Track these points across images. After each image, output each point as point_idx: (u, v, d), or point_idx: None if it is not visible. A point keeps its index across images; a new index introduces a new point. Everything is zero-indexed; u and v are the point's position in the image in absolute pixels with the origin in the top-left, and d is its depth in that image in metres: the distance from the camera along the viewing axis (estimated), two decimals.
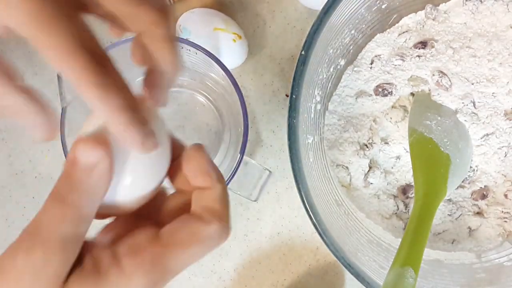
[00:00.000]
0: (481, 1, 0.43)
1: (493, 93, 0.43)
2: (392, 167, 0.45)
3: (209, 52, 0.39)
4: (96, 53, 0.19)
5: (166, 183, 0.26)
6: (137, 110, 0.21)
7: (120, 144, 0.21)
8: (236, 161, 0.40)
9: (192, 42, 0.39)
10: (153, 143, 0.22)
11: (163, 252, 0.22)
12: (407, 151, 0.44)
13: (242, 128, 0.39)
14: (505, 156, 0.44)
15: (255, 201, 0.42)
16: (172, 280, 0.53)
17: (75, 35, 0.18)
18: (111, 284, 0.21)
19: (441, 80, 0.43)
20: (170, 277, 0.23)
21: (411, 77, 0.44)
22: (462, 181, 0.44)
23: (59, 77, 0.37)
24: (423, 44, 0.43)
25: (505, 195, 0.44)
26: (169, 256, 0.22)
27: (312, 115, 0.41)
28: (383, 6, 0.42)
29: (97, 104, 0.19)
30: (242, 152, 0.40)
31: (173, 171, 0.25)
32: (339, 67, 0.44)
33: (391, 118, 0.44)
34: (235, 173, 0.40)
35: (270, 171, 0.42)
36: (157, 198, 0.25)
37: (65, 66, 0.19)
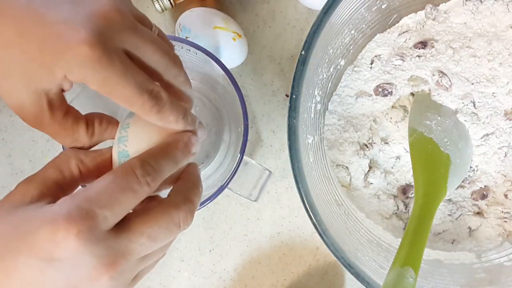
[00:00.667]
0: (481, 1, 0.43)
1: (493, 93, 0.43)
2: (392, 167, 0.45)
3: (209, 52, 0.39)
4: (150, 91, 0.26)
5: None
6: (186, 115, 0.28)
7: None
8: (236, 161, 0.40)
9: (192, 42, 0.39)
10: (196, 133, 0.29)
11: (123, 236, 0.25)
12: (407, 151, 0.44)
13: (242, 128, 0.39)
14: (505, 156, 0.44)
15: (255, 201, 0.42)
16: (172, 280, 0.53)
17: (135, 84, 0.25)
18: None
19: (441, 80, 0.43)
20: (127, 259, 0.25)
21: (411, 77, 0.44)
22: (462, 181, 0.44)
23: None
24: (423, 44, 0.43)
25: (505, 195, 0.44)
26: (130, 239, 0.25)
27: (312, 115, 0.41)
28: (383, 6, 0.42)
29: (160, 123, 0.27)
30: (242, 152, 0.40)
31: None
32: (339, 67, 0.44)
33: (391, 118, 0.44)
34: (235, 173, 0.40)
35: (270, 171, 0.42)
36: None
37: (131, 106, 0.26)
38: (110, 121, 0.29)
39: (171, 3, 0.46)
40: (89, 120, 0.29)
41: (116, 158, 0.27)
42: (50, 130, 0.27)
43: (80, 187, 0.28)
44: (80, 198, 0.24)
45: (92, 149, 0.29)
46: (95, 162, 0.28)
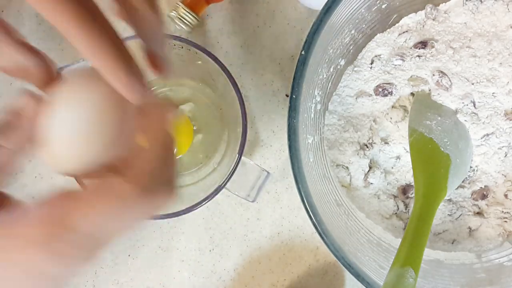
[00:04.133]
0: (481, 1, 0.43)
1: (493, 93, 0.43)
2: (392, 167, 0.45)
3: (209, 51, 0.39)
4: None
5: None
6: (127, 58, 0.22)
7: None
8: (235, 162, 0.40)
9: (193, 42, 0.39)
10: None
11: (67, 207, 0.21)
12: (407, 151, 0.44)
13: (241, 129, 0.39)
14: (505, 156, 0.44)
15: (253, 202, 0.42)
16: (172, 280, 0.53)
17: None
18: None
19: (441, 80, 0.43)
20: (74, 235, 0.20)
21: (411, 77, 0.44)
22: (462, 181, 0.44)
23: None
24: (423, 44, 0.43)
25: (505, 195, 0.44)
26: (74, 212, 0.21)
27: (312, 115, 0.41)
28: (383, 6, 0.42)
29: (92, 57, 0.21)
30: (241, 153, 0.40)
31: None
32: (339, 67, 0.44)
33: (391, 118, 0.44)
34: (233, 173, 0.40)
35: (268, 172, 0.42)
36: None
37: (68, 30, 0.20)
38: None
39: (196, 18, 0.45)
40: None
41: None
42: None
43: None
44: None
45: None
46: None
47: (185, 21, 0.45)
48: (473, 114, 0.43)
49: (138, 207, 0.22)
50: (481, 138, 0.43)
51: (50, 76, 0.23)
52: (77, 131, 0.21)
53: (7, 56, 0.22)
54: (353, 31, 0.42)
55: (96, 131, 0.21)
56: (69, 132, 0.21)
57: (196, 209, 0.40)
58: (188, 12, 0.45)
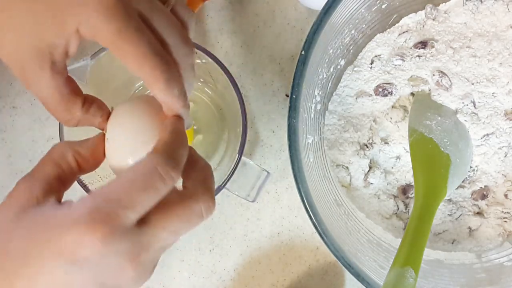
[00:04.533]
0: (481, 1, 0.43)
1: (493, 93, 0.43)
2: (392, 167, 0.45)
3: (209, 52, 0.39)
4: (163, 55, 0.25)
5: None
6: (186, 98, 0.27)
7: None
8: (235, 162, 0.40)
9: (194, 43, 0.39)
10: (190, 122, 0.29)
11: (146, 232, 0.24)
12: (407, 151, 0.44)
13: (241, 129, 0.39)
14: (505, 156, 0.43)
15: (252, 202, 0.42)
16: (172, 280, 0.53)
17: (148, 44, 0.25)
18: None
19: (441, 80, 0.43)
20: (150, 252, 0.24)
21: (411, 77, 0.44)
22: (462, 181, 0.44)
23: None
24: (423, 44, 0.43)
25: (505, 195, 0.44)
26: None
27: (312, 115, 0.41)
28: (383, 6, 0.42)
29: (162, 94, 0.26)
30: (241, 153, 0.39)
31: None
32: (339, 67, 0.44)
33: (391, 118, 0.44)
34: (233, 173, 0.40)
35: (268, 172, 0.42)
36: None
37: (141, 67, 0.25)
38: (101, 105, 0.29)
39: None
40: (86, 97, 0.28)
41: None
42: (46, 95, 0.26)
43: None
44: (101, 198, 0.23)
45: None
46: (90, 152, 0.28)
47: None
48: (473, 114, 0.43)
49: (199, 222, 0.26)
50: (481, 138, 0.43)
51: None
52: (130, 135, 0.27)
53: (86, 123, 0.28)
54: (353, 31, 0.42)
55: (141, 135, 0.27)
56: (125, 135, 0.27)
57: None
58: None
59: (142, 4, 0.25)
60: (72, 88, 0.27)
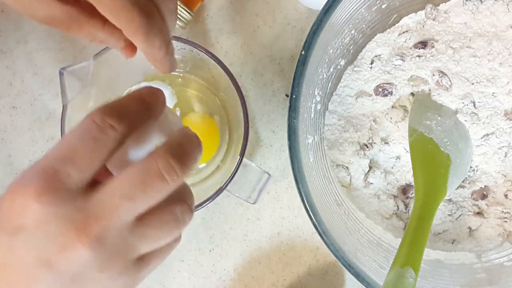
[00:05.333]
0: (481, 1, 0.43)
1: (493, 93, 0.43)
2: (392, 167, 0.45)
3: (211, 52, 0.39)
4: (143, 6, 0.24)
5: None
6: (169, 45, 0.27)
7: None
8: (236, 163, 0.40)
9: (194, 43, 0.39)
10: (175, 65, 0.29)
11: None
12: (407, 151, 0.44)
13: (243, 130, 0.39)
14: (505, 156, 0.44)
15: (253, 203, 0.42)
16: (172, 280, 0.53)
17: None
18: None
19: (441, 80, 0.43)
20: (102, 224, 0.21)
21: (411, 77, 0.44)
22: (462, 181, 0.44)
23: (61, 75, 0.37)
24: (423, 44, 0.43)
25: (505, 195, 0.44)
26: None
27: (312, 115, 0.41)
28: (383, 6, 0.42)
29: (142, 45, 0.26)
30: (242, 155, 0.40)
31: None
32: (339, 67, 0.44)
33: (391, 118, 0.44)
34: (234, 175, 0.40)
35: (269, 174, 0.42)
36: None
37: (118, 20, 0.24)
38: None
39: (189, 13, 0.44)
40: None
41: None
42: (63, 24, 0.26)
43: None
44: (39, 160, 0.21)
45: None
46: None
47: (178, 16, 0.44)
48: (473, 114, 0.43)
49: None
50: (481, 138, 0.43)
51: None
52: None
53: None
54: (353, 31, 0.42)
55: None
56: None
57: (197, 210, 0.40)
58: (182, 7, 0.44)
59: None
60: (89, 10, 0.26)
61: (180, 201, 0.24)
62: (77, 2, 0.25)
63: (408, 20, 0.44)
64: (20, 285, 0.21)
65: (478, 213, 0.45)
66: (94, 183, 0.22)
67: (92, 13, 0.26)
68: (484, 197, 0.44)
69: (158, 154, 0.23)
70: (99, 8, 0.24)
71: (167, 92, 0.44)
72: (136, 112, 0.23)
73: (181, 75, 0.46)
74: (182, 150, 0.23)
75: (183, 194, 0.24)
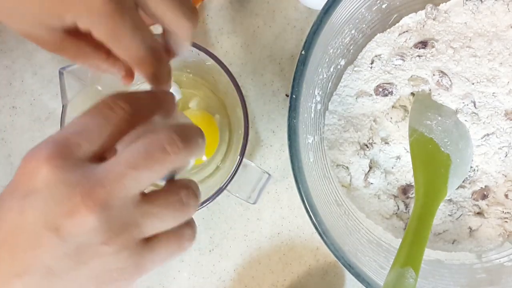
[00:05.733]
0: (481, 0, 0.43)
1: (493, 93, 0.43)
2: (392, 167, 0.45)
3: (211, 52, 0.39)
4: (154, 50, 0.27)
5: None
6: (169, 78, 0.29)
7: None
8: (236, 163, 0.40)
9: (194, 43, 0.39)
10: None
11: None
12: (407, 151, 0.44)
13: (243, 130, 0.39)
14: (505, 156, 0.43)
15: (253, 203, 0.42)
16: (172, 280, 0.53)
17: (142, 39, 0.26)
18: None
19: (441, 80, 0.43)
20: (108, 190, 0.22)
21: (411, 77, 0.44)
22: (463, 181, 0.44)
23: (60, 75, 0.37)
24: (424, 44, 0.43)
25: (506, 195, 0.44)
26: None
27: (312, 115, 0.41)
28: (383, 6, 0.42)
29: (150, 81, 0.28)
30: (242, 155, 0.39)
31: None
32: (339, 67, 0.44)
33: (391, 118, 0.44)
34: (234, 175, 0.40)
35: (269, 174, 0.42)
36: None
37: (132, 60, 0.27)
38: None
39: None
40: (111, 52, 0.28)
41: None
42: (70, 55, 0.28)
43: None
44: (53, 134, 0.23)
45: None
46: None
47: None
48: (473, 114, 0.43)
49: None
50: (482, 138, 0.43)
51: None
52: None
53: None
54: (353, 31, 0.42)
55: None
56: None
57: (197, 210, 0.40)
58: None
59: None
60: (94, 44, 0.27)
61: (185, 186, 0.25)
62: (85, 36, 0.27)
63: (409, 20, 0.44)
64: (26, 249, 0.22)
65: (478, 213, 0.45)
66: (103, 160, 0.23)
67: (98, 45, 0.28)
68: (484, 197, 0.44)
69: (163, 129, 0.24)
70: (116, 49, 0.26)
71: (173, 88, 0.44)
72: (146, 102, 0.25)
73: (181, 75, 0.46)
74: (185, 130, 0.24)
75: (189, 182, 0.25)
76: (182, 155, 0.24)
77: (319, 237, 0.37)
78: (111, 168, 0.22)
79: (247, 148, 0.40)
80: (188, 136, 0.24)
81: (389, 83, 0.44)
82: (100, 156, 0.23)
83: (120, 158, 0.23)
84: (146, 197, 0.23)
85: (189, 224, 0.26)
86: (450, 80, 0.43)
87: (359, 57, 0.45)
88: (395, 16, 0.44)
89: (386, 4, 0.42)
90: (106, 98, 0.24)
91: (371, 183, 0.44)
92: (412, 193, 0.44)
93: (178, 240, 0.25)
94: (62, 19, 0.25)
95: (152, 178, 0.23)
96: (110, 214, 0.22)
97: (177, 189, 0.24)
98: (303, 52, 0.36)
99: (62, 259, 0.22)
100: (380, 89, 0.44)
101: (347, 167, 0.44)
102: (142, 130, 0.24)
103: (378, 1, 0.42)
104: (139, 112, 0.24)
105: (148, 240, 0.24)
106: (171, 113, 0.26)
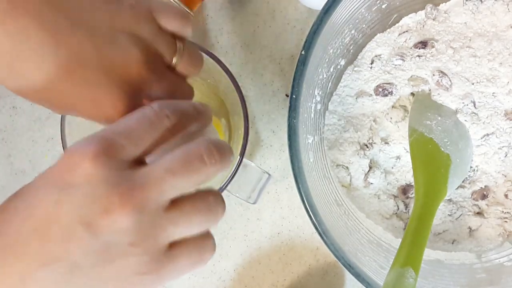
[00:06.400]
0: (481, 0, 0.43)
1: (493, 93, 0.43)
2: (392, 167, 0.45)
3: (211, 52, 0.39)
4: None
5: None
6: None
7: None
8: (236, 163, 0.40)
9: (195, 44, 0.39)
10: None
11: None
12: (407, 151, 0.44)
13: (243, 130, 0.39)
14: (505, 156, 0.43)
15: (253, 203, 0.42)
16: (172, 280, 0.53)
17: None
18: None
19: (441, 80, 0.43)
20: (145, 194, 0.23)
21: (411, 77, 0.44)
22: (463, 181, 0.44)
23: None
24: (423, 44, 0.43)
25: (506, 195, 0.44)
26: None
27: (312, 115, 0.41)
28: (383, 6, 0.42)
29: None
30: (242, 155, 0.39)
31: None
32: (339, 67, 0.44)
33: (391, 118, 0.44)
34: (234, 175, 0.40)
35: (269, 174, 0.42)
36: None
37: None
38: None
39: (189, 13, 0.44)
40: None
41: None
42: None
43: None
44: (98, 132, 0.23)
45: None
46: None
47: None
48: (473, 114, 0.43)
49: None
50: (481, 138, 0.43)
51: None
52: None
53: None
54: (353, 31, 0.42)
55: None
56: None
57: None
58: (182, 7, 0.44)
59: (153, 88, 0.27)
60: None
61: (214, 193, 0.26)
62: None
63: (408, 20, 0.44)
64: (57, 241, 0.22)
65: (478, 213, 0.45)
66: (142, 164, 0.24)
67: None
68: (484, 197, 0.44)
69: (201, 140, 0.25)
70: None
71: None
72: (188, 112, 0.26)
73: None
74: (221, 144, 0.26)
75: (216, 192, 0.26)
76: (216, 167, 0.25)
77: (319, 237, 0.37)
78: (151, 173, 0.23)
79: (247, 148, 0.40)
80: (223, 150, 0.25)
81: (389, 83, 0.44)
82: (140, 160, 0.24)
83: (160, 164, 0.23)
84: (175, 203, 0.24)
85: (210, 236, 0.26)
86: (450, 80, 0.43)
87: (359, 57, 0.45)
88: (395, 16, 0.44)
89: (386, 4, 0.42)
90: (153, 103, 0.25)
91: (371, 183, 0.44)
92: (412, 193, 0.44)
93: (200, 251, 0.26)
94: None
95: (186, 186, 0.24)
96: (143, 217, 0.22)
97: (205, 195, 0.25)
98: (303, 52, 0.36)
99: (90, 255, 0.22)
100: (380, 89, 0.44)
101: (347, 167, 0.44)
102: (181, 139, 0.26)
103: (378, 1, 0.42)
104: (182, 122, 0.25)
105: (171, 249, 0.24)
106: (207, 125, 0.28)
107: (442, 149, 0.42)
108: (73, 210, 0.22)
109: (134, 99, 0.26)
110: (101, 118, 0.26)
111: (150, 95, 0.27)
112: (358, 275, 0.38)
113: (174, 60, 0.29)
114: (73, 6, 0.24)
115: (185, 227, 0.24)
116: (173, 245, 0.24)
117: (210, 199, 0.25)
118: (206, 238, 0.26)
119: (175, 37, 0.29)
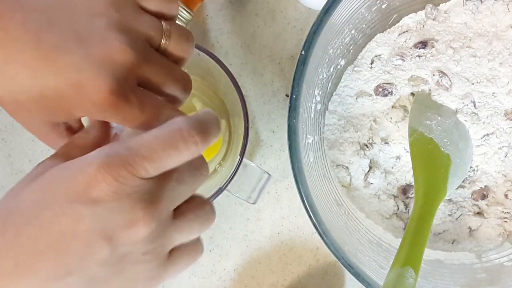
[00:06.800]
0: (481, 1, 0.43)
1: (493, 93, 0.43)
2: (392, 167, 0.45)
3: (211, 52, 0.39)
4: (166, 116, 0.27)
5: None
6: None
7: None
8: (236, 163, 0.40)
9: (196, 44, 0.39)
10: None
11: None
12: (407, 151, 0.44)
13: (243, 130, 0.39)
14: (505, 156, 0.43)
15: (253, 203, 0.42)
16: (172, 280, 0.53)
17: (153, 111, 0.27)
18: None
19: (441, 80, 0.43)
20: (162, 204, 0.24)
21: (411, 77, 0.44)
22: (463, 181, 0.44)
23: None
24: (423, 44, 0.43)
25: (506, 195, 0.44)
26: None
27: (312, 115, 0.41)
28: (383, 6, 0.42)
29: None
30: (242, 155, 0.39)
31: None
32: (339, 67, 0.44)
33: (391, 118, 0.44)
34: (234, 175, 0.40)
35: (269, 174, 0.42)
36: None
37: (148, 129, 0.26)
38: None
39: (189, 13, 0.44)
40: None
41: None
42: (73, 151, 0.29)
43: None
44: (121, 145, 0.23)
45: None
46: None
47: (178, 16, 0.44)
48: (473, 114, 0.43)
49: None
50: (481, 138, 0.43)
51: None
52: None
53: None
54: (353, 31, 0.42)
55: None
56: None
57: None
58: (182, 7, 0.44)
59: (141, 75, 0.26)
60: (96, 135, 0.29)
61: (208, 201, 0.27)
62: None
63: (408, 20, 0.44)
64: (75, 255, 0.22)
65: (478, 213, 0.45)
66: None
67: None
68: (484, 197, 0.44)
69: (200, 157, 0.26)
70: (133, 127, 0.27)
71: None
72: (214, 135, 0.25)
73: None
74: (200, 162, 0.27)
75: (209, 200, 0.28)
76: (204, 178, 0.27)
77: (319, 237, 0.37)
78: (163, 183, 0.24)
79: (247, 148, 0.40)
80: (199, 169, 0.27)
81: (389, 83, 0.44)
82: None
83: (171, 174, 0.24)
84: (178, 211, 0.25)
85: (200, 238, 0.28)
86: (450, 80, 0.43)
87: (359, 57, 0.45)
88: (395, 16, 0.44)
89: (386, 4, 0.42)
90: (184, 123, 0.24)
91: (371, 183, 0.44)
92: (412, 193, 0.44)
93: (194, 252, 0.27)
94: (71, 115, 0.26)
95: (191, 192, 0.26)
96: (158, 227, 0.23)
97: (202, 204, 0.26)
98: (303, 52, 0.36)
99: (106, 267, 0.23)
100: (380, 89, 0.44)
101: (347, 167, 0.44)
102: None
103: (378, 1, 0.42)
104: (208, 145, 0.25)
105: (171, 253, 0.25)
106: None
107: (442, 149, 0.42)
108: (95, 225, 0.22)
109: (122, 81, 0.25)
110: (90, 106, 0.25)
111: (144, 77, 0.27)
112: (358, 275, 0.38)
113: (162, 42, 0.28)
114: None
115: (187, 233, 0.26)
116: (172, 250, 0.26)
117: (207, 208, 0.26)
118: (198, 241, 0.27)
119: (161, 18, 0.28)
